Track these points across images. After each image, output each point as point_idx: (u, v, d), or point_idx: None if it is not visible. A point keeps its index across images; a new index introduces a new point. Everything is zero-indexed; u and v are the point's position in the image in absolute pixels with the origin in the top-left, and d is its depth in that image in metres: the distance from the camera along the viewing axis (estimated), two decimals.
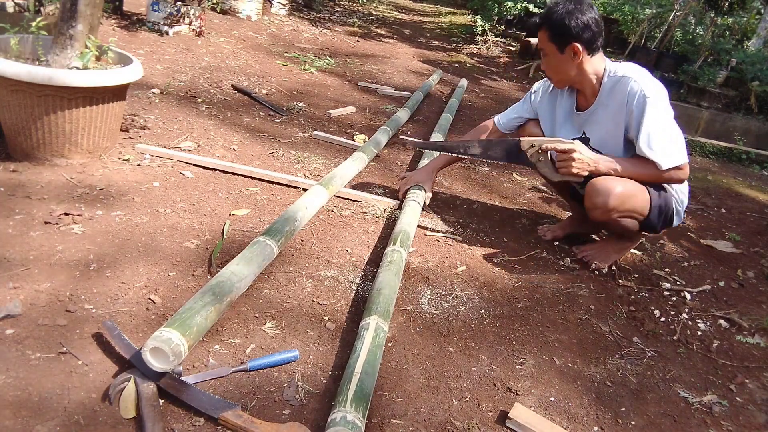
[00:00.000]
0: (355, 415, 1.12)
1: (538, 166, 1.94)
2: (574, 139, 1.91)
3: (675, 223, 2.03)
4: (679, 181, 1.90)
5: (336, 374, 1.35)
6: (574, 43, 1.82)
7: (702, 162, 4.08)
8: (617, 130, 1.88)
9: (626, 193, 1.85)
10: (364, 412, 1.16)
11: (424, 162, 2.57)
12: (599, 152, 1.93)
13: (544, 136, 2.09)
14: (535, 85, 2.16)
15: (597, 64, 1.88)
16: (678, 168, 1.83)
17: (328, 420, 1.13)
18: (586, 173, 1.85)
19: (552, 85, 2.05)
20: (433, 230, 2.15)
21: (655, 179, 1.88)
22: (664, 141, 1.79)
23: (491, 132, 2.25)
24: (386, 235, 2.04)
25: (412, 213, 2.06)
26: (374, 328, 1.37)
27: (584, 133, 1.99)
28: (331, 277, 1.73)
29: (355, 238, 1.99)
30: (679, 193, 1.99)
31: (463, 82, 4.78)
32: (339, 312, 1.58)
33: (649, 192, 1.90)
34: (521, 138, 1.95)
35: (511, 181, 2.88)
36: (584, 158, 1.83)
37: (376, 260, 1.86)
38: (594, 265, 2.07)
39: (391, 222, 2.16)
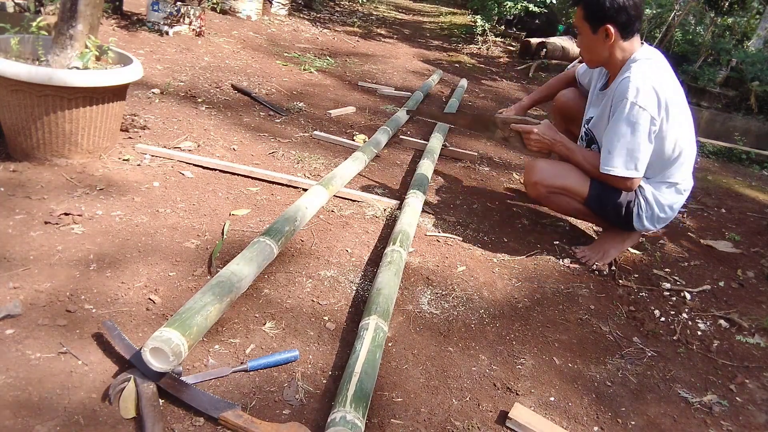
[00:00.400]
0: (355, 414, 1.12)
1: (510, 141, 2.19)
2: (588, 123, 2.06)
3: (636, 225, 2.00)
4: (619, 187, 1.91)
5: (336, 374, 1.35)
6: (607, 24, 1.80)
7: (702, 162, 4.07)
8: (604, 117, 1.94)
9: (553, 171, 2.01)
10: (364, 412, 1.16)
11: (425, 162, 2.58)
12: (593, 133, 2.05)
13: (574, 104, 2.28)
14: None
15: (628, 48, 1.86)
16: (612, 176, 1.86)
17: (328, 420, 1.13)
18: (547, 151, 2.08)
19: None
20: (434, 224, 2.15)
21: (594, 175, 1.95)
22: (616, 146, 1.82)
23: (569, 77, 2.40)
24: (386, 235, 2.04)
25: (412, 213, 2.06)
26: (374, 328, 1.37)
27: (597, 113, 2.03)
28: (331, 277, 1.73)
29: (355, 238, 1.99)
30: (650, 201, 1.95)
31: (463, 82, 4.78)
32: (339, 312, 1.58)
33: (591, 178, 1.98)
34: (497, 115, 2.21)
35: (511, 181, 2.88)
36: (542, 139, 2.02)
37: (376, 260, 1.86)
38: (595, 265, 2.08)
39: (391, 222, 2.16)
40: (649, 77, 1.78)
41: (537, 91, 2.49)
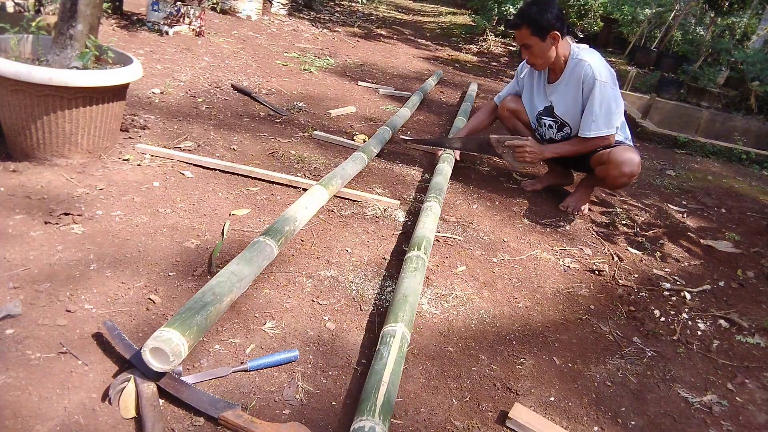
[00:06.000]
0: (383, 427, 1.10)
1: (503, 156, 2.60)
2: (549, 113, 2.50)
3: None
4: (606, 144, 2.39)
5: (336, 374, 1.35)
6: (553, 31, 2.26)
7: (702, 162, 4.07)
8: (577, 101, 2.37)
9: (632, 155, 2.37)
10: (389, 425, 1.14)
11: (443, 165, 2.57)
12: (564, 120, 2.47)
13: (521, 108, 2.65)
14: (520, 66, 2.66)
15: (565, 46, 2.35)
16: (600, 138, 2.35)
17: (355, 426, 1.10)
18: (538, 160, 2.57)
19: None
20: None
21: (585, 149, 2.41)
22: (600, 116, 2.30)
23: (494, 108, 2.82)
24: (386, 235, 2.04)
25: (434, 218, 2.03)
26: (400, 337, 1.35)
27: (551, 102, 2.48)
28: (331, 277, 1.73)
29: (355, 238, 1.99)
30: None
31: (474, 85, 4.75)
32: (339, 312, 1.58)
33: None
34: (491, 136, 2.58)
35: (511, 181, 2.88)
36: (534, 149, 2.48)
37: (376, 260, 1.86)
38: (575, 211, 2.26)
39: (391, 222, 2.16)
40: (597, 59, 2.31)
41: (467, 126, 2.87)
